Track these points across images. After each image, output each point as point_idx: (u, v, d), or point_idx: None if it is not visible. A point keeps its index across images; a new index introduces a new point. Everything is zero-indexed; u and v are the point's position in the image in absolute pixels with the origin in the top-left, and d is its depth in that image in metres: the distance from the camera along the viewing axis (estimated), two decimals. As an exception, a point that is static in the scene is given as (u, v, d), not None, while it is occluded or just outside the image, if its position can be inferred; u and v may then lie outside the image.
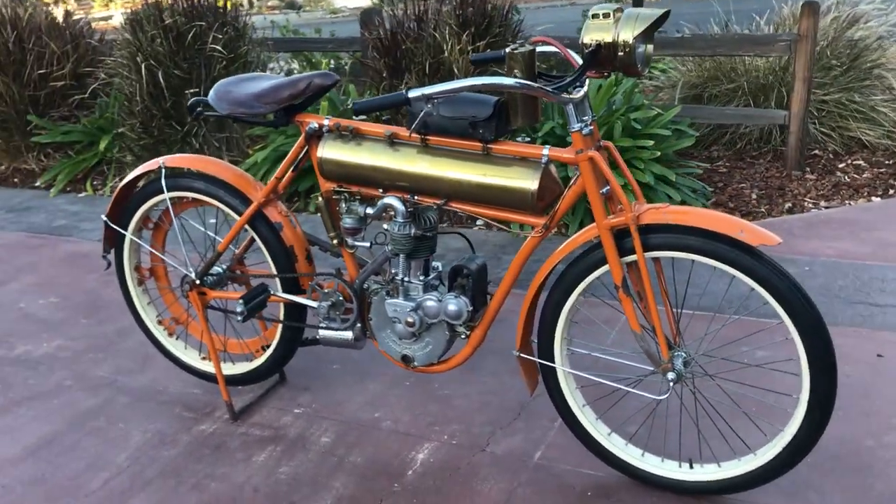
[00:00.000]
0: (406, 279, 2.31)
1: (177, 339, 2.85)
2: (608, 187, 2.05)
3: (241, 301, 2.41)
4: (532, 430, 2.52)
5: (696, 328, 2.78)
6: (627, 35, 1.87)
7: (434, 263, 2.36)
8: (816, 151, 4.90)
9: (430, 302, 2.28)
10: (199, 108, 2.35)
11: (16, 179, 5.51)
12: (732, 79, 5.00)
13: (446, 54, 4.01)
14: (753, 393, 2.45)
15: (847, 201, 4.25)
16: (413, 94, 1.87)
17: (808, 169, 4.64)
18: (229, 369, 2.75)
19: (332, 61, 5.81)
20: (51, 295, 3.73)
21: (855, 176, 4.54)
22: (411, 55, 4.11)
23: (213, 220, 3.97)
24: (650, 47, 1.99)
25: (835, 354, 1.97)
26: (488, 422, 2.58)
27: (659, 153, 4.03)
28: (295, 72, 5.90)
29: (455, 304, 2.25)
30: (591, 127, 2.03)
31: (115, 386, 2.92)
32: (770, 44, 4.49)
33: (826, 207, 4.18)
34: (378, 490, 2.30)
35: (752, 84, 4.97)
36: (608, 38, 1.89)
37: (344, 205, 2.31)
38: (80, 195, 5.19)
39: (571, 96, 1.99)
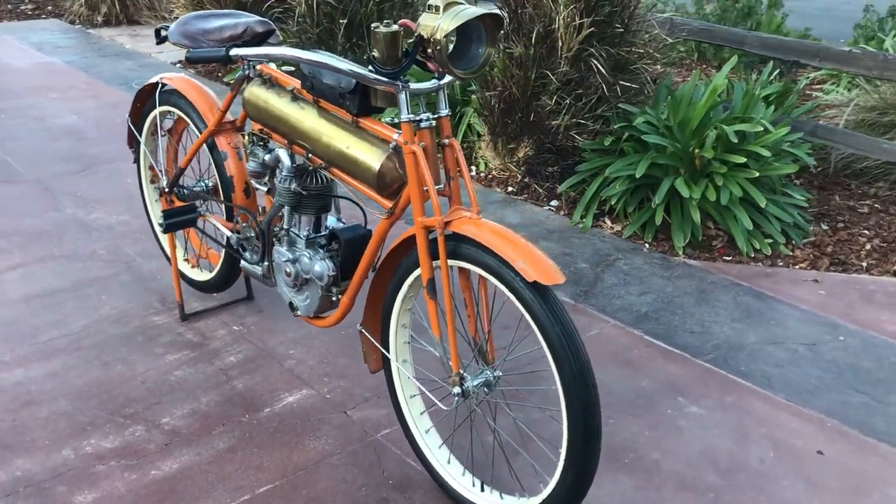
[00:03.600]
0: (292, 231, 2.41)
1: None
2: (442, 183, 1.99)
3: (162, 213, 2.66)
4: (401, 408, 2.53)
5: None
6: (440, 32, 1.78)
7: (330, 223, 2.42)
8: None
9: (305, 258, 2.36)
10: (163, 34, 2.58)
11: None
12: (915, 110, 4.28)
13: (556, 25, 3.87)
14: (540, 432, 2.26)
15: (985, 280, 3.54)
16: (233, 52, 1.94)
17: (968, 232, 3.90)
18: (195, 275, 3.04)
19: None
20: (156, 177, 4.26)
21: None
22: (530, 19, 4.02)
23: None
24: (490, 51, 1.88)
25: (596, 418, 1.80)
26: (374, 387, 2.62)
27: (757, 174, 3.64)
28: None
29: (319, 265, 2.31)
30: (433, 122, 1.97)
31: (129, 265, 3.34)
32: (952, 77, 3.78)
33: (948, 281, 3.53)
34: (228, 416, 2.48)
35: (940, 120, 4.23)
36: (427, 33, 1.81)
37: (250, 147, 2.44)
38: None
39: (416, 87, 1.93)
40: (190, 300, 3.06)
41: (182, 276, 3.08)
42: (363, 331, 2.26)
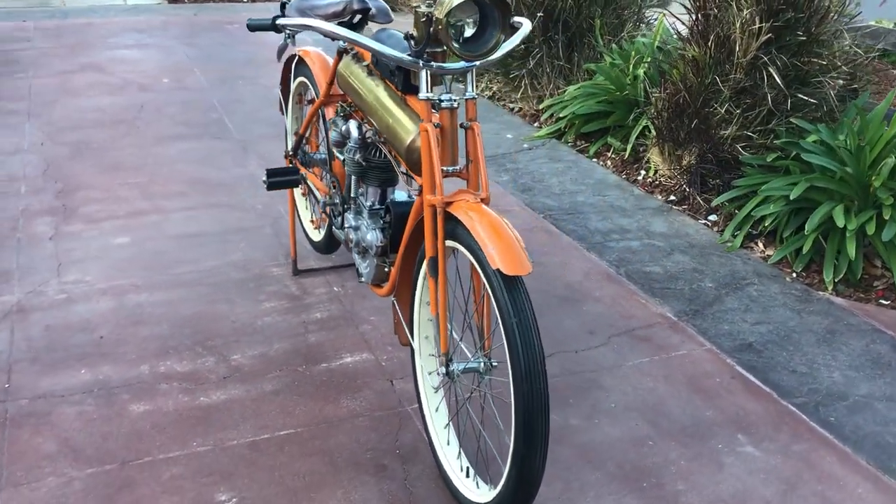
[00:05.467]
0: (359, 200, 2.53)
1: (307, 199, 3.44)
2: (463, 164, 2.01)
3: (266, 171, 2.88)
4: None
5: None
6: (442, 11, 1.80)
7: (399, 196, 2.50)
8: None
9: (363, 227, 2.48)
10: (285, 7, 2.79)
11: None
12: None
13: (735, 28, 3.61)
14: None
15: None
16: (279, 21, 2.08)
17: None
18: (314, 235, 3.28)
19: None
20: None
21: None
22: (710, 21, 3.79)
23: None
24: (499, 35, 1.85)
25: (538, 421, 1.73)
26: (429, 365, 2.68)
27: (943, 212, 3.17)
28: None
29: (371, 235, 2.42)
30: (454, 103, 1.98)
31: (276, 220, 3.65)
32: None
33: None
34: (288, 363, 2.67)
35: None
36: (438, 12, 1.83)
37: (334, 117, 2.59)
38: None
39: (440, 67, 1.96)
40: (309, 258, 3.30)
41: (306, 235, 3.33)
42: (395, 303, 2.33)
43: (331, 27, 2.00)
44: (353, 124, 2.44)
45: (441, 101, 1.98)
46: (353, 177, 2.51)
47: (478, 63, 1.98)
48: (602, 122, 4.56)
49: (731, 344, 2.85)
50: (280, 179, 2.90)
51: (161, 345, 2.74)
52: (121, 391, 2.51)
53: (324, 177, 3.07)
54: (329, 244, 3.13)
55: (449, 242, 1.97)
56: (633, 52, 4.60)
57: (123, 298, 3.01)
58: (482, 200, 1.94)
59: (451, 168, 2.01)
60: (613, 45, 4.85)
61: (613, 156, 4.52)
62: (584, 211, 3.90)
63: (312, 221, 3.35)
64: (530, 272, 1.75)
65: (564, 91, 4.86)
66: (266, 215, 3.70)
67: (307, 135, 3.04)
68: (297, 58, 3.07)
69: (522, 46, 5.06)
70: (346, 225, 2.55)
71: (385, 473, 2.22)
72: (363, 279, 2.59)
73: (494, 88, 5.58)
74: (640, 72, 4.49)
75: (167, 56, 6.35)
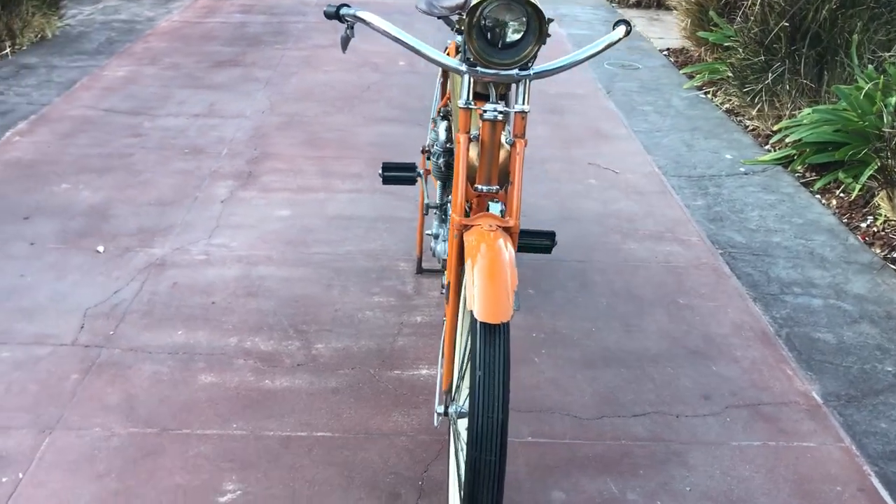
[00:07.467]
0: (445, 207, 2.36)
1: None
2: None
3: (383, 164, 2.78)
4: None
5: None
6: (468, 11, 1.57)
7: (492, 209, 2.29)
8: None
9: (441, 236, 2.31)
10: (418, -7, 2.65)
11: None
12: None
13: None
14: None
15: None
16: (343, 10, 1.94)
17: None
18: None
19: None
20: (534, 148, 4.39)
21: None
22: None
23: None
24: (534, 47, 1.58)
25: (485, 496, 1.48)
26: (503, 396, 2.46)
27: None
28: None
29: (441, 247, 2.25)
30: (497, 115, 1.75)
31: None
32: None
33: None
34: (363, 363, 2.58)
35: None
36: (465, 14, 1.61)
37: (435, 117, 2.42)
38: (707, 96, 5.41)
39: (486, 73, 1.74)
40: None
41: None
42: (445, 323, 2.14)
43: (382, 24, 1.85)
44: (443, 126, 2.29)
45: (484, 111, 1.76)
46: (440, 182, 2.35)
47: (531, 72, 1.73)
48: (832, 155, 3.92)
49: (879, 448, 2.30)
50: (394, 175, 2.80)
51: (259, 320, 2.79)
52: (200, 359, 2.58)
53: None
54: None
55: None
56: (886, 77, 3.89)
57: (252, 269, 3.10)
58: (506, 229, 1.70)
59: (484, 187, 1.79)
60: (870, 66, 4.14)
61: (841, 195, 3.87)
62: (773, 254, 3.38)
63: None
64: (508, 320, 1.49)
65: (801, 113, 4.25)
66: (394, 222, 3.61)
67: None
68: (445, 50, 2.94)
69: (762, 57, 4.51)
70: (429, 232, 2.40)
71: None
72: (444, 292, 2.42)
73: (734, 102, 5.04)
74: (893, 100, 3.79)
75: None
